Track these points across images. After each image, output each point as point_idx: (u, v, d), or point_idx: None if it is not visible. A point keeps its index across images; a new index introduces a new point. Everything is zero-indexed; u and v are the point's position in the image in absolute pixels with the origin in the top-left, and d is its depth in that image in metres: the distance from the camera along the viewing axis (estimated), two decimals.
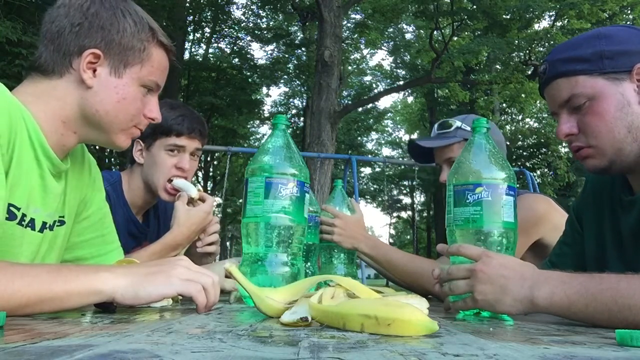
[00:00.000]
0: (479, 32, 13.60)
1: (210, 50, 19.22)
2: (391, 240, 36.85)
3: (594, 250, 1.19)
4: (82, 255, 1.21)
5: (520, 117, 18.51)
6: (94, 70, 1.01)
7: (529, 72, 11.92)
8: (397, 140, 29.50)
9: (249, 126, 22.09)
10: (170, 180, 1.68)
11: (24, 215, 0.99)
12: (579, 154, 1.08)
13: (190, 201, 1.60)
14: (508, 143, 1.78)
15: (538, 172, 16.02)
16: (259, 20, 17.95)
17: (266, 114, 20.92)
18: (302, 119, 19.45)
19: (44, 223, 1.05)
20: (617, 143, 1.03)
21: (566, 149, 13.27)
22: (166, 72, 1.13)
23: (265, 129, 23.28)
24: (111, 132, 1.06)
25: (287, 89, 21.35)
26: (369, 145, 27.36)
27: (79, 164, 1.18)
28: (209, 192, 21.00)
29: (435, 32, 13.57)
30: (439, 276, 1.02)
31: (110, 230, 1.29)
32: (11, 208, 0.96)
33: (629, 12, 12.51)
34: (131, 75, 1.04)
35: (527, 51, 11.96)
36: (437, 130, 1.74)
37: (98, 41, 1.01)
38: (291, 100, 21.84)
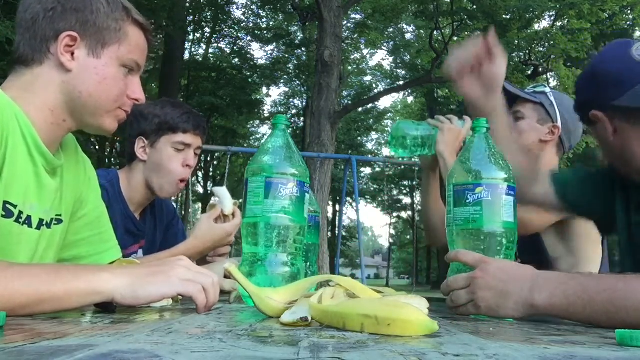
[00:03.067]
0: (479, 32, 13.57)
1: (210, 50, 19.24)
2: (391, 240, 36.86)
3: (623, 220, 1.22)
4: (78, 253, 1.21)
5: None
6: (72, 54, 1.01)
7: (529, 72, 11.92)
8: None
9: (249, 126, 22.11)
10: (182, 180, 1.70)
11: (20, 212, 0.99)
12: None
13: (221, 214, 1.59)
14: None
15: None
16: (259, 20, 17.97)
17: (266, 114, 20.95)
18: (302, 119, 19.47)
19: (41, 220, 1.05)
20: None
21: None
22: (145, 52, 1.12)
23: (265, 129, 23.32)
24: (97, 115, 1.06)
25: (287, 89, 21.38)
26: (369, 145, 27.40)
27: (73, 162, 1.18)
28: (209, 192, 21.03)
29: (435, 32, 13.57)
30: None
31: (107, 228, 1.29)
32: (8, 206, 0.96)
33: (629, 12, 12.51)
34: (110, 55, 1.04)
35: (527, 51, 11.97)
36: (531, 87, 1.81)
37: (73, 23, 1.01)
38: (291, 100, 21.87)
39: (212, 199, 1.65)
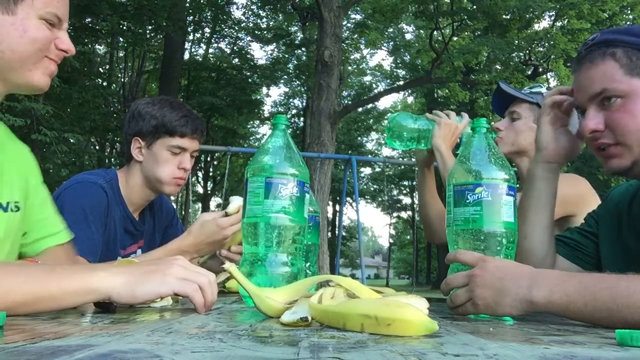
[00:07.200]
0: (479, 32, 13.62)
1: (210, 50, 19.26)
2: (391, 240, 36.87)
3: (612, 254, 1.19)
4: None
5: None
6: None
7: (529, 72, 11.93)
8: None
9: (249, 126, 22.13)
10: (180, 179, 1.70)
11: None
12: (604, 153, 1.07)
13: (227, 215, 1.58)
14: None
15: None
16: (259, 21, 17.99)
17: (266, 114, 20.95)
18: (302, 119, 19.49)
19: None
20: None
21: None
22: (64, 2, 1.07)
23: (265, 129, 23.34)
24: (25, 71, 1.02)
25: (287, 89, 21.41)
26: (369, 145, 27.41)
27: (12, 149, 1.15)
28: (209, 192, 21.05)
29: (435, 32, 13.59)
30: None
31: (50, 214, 1.24)
32: None
33: (629, 12, 12.52)
34: (24, 9, 0.99)
35: (527, 51, 11.98)
36: (528, 88, 1.83)
37: None
38: (291, 100, 21.89)
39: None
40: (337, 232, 14.03)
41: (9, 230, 1.08)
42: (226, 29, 17.50)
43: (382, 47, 20.52)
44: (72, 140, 10.24)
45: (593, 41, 1.08)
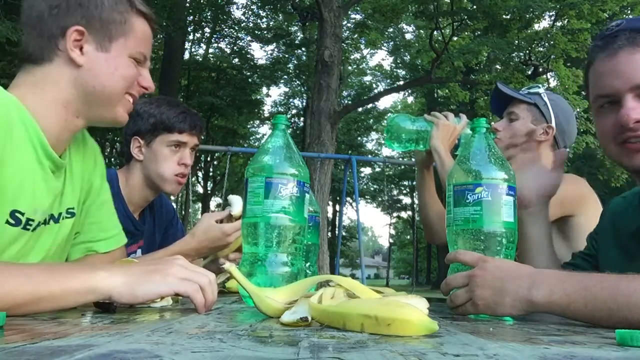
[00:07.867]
0: (479, 32, 13.62)
1: (210, 50, 19.27)
2: (391, 240, 36.86)
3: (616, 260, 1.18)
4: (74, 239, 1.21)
5: None
6: (81, 49, 1.02)
7: (529, 72, 11.93)
8: None
9: (249, 126, 22.13)
10: (181, 175, 1.70)
11: (28, 220, 0.99)
12: (637, 145, 1.02)
13: (229, 218, 1.58)
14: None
15: None
16: (259, 20, 17.98)
17: (266, 114, 20.97)
18: (302, 119, 19.49)
19: (39, 222, 1.05)
20: None
21: None
22: (151, 41, 1.13)
23: (265, 129, 23.34)
24: (111, 106, 1.06)
25: (287, 89, 21.42)
26: (369, 145, 27.41)
27: (81, 154, 1.18)
28: (209, 192, 21.06)
29: (435, 32, 13.59)
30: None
31: (107, 218, 1.27)
32: (16, 214, 0.97)
33: (629, 12, 12.51)
34: (118, 49, 1.04)
35: (527, 51, 11.96)
36: (526, 88, 1.82)
37: (79, 19, 1.01)
38: (291, 100, 21.90)
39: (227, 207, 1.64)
40: (337, 232, 14.04)
41: (63, 238, 1.12)
42: (226, 29, 17.51)
43: (382, 47, 20.54)
44: None
45: (619, 27, 1.04)
